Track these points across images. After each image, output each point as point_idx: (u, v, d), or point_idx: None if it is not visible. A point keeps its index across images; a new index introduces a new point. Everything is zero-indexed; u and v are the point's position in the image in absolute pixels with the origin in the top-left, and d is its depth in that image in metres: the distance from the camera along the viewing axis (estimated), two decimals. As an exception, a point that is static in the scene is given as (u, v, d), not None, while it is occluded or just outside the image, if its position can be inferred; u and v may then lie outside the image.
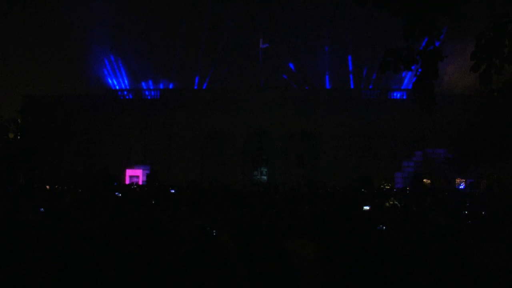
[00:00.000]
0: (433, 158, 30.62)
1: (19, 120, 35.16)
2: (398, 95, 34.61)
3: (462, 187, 29.73)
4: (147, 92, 35.74)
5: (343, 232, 5.06)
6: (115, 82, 37.03)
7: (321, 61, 38.22)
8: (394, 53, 4.04)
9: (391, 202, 9.67)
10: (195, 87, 38.09)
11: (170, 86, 37.19)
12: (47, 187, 17.37)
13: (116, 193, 12.91)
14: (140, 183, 29.91)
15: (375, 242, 4.73)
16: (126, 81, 37.29)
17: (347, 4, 35.22)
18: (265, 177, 34.71)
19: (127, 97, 35.78)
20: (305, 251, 4.34)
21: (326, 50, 38.32)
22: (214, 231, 4.56)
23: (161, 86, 36.84)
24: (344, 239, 4.80)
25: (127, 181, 31.79)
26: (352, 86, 36.52)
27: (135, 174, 33.54)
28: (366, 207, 8.27)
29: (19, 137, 33.83)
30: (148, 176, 29.72)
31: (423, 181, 31.33)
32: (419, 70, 4.09)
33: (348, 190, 19.36)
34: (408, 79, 34.77)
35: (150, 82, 36.91)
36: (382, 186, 30.61)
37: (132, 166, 33.86)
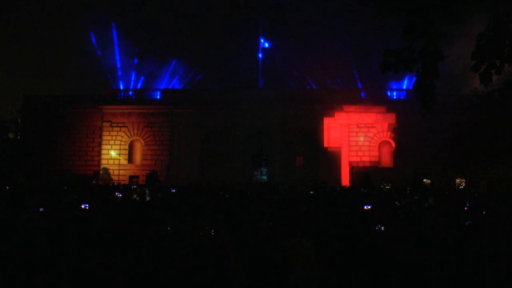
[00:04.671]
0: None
1: (19, 120, 35.17)
2: (398, 94, 34.57)
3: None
4: (147, 92, 35.70)
5: (340, 233, 5.06)
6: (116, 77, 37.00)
7: (323, 61, 38.20)
8: (395, 53, 4.04)
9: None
10: (195, 87, 38.02)
11: (173, 86, 37.16)
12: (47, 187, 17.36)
13: (116, 193, 12.91)
14: (140, 183, 29.87)
15: (374, 242, 4.73)
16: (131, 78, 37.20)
17: (348, 4, 35.20)
18: (265, 177, 34.67)
19: (127, 97, 35.73)
20: (302, 251, 4.35)
21: (328, 49, 38.32)
22: (213, 231, 4.56)
23: (162, 86, 36.82)
24: (341, 239, 4.80)
25: (127, 181, 31.76)
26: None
27: (135, 174, 33.55)
28: (367, 206, 8.28)
29: (19, 137, 33.85)
30: (148, 176, 29.73)
31: (423, 181, 31.34)
32: (420, 70, 4.09)
33: (348, 190, 19.37)
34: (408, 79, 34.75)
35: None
36: (382, 186, 30.58)
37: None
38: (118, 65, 37.32)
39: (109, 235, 4.54)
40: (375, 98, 33.91)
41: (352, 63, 37.47)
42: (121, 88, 36.80)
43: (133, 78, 37.30)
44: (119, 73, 37.23)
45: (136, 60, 37.82)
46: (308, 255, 4.31)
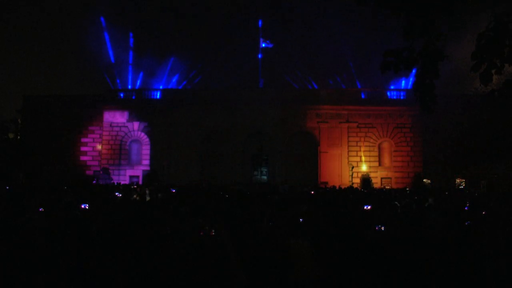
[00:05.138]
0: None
1: (19, 120, 35.17)
2: (398, 95, 34.55)
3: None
4: (147, 92, 35.70)
5: (340, 233, 5.06)
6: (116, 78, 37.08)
7: (324, 61, 38.22)
8: (395, 53, 4.03)
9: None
10: (195, 87, 38.02)
11: (173, 86, 37.20)
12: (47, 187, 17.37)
13: (117, 193, 12.91)
14: (140, 183, 29.88)
15: (374, 242, 4.73)
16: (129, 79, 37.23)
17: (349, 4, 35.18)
18: (265, 177, 34.65)
19: (128, 97, 35.74)
20: (302, 251, 4.35)
21: (329, 49, 38.28)
22: (213, 230, 4.56)
23: (162, 86, 36.84)
24: (341, 239, 4.80)
25: (127, 181, 31.78)
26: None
27: (135, 174, 33.56)
28: (367, 206, 8.28)
29: (19, 137, 33.85)
30: (147, 176, 29.73)
31: (423, 181, 31.39)
32: (420, 70, 4.09)
33: (348, 190, 19.37)
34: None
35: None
36: (382, 186, 30.62)
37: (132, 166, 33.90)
38: (118, 65, 37.36)
39: (109, 235, 4.54)
40: (375, 98, 33.93)
41: (352, 63, 37.51)
42: (121, 87, 36.81)
43: (132, 78, 37.34)
44: (119, 73, 37.28)
45: (135, 60, 37.86)
46: (308, 255, 4.31)
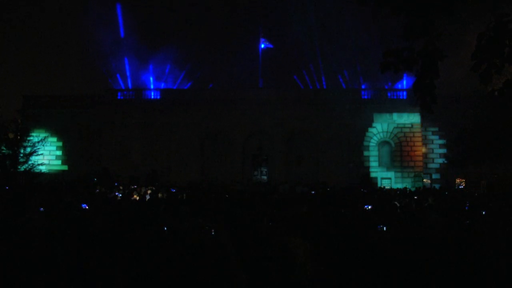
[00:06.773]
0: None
1: (19, 120, 35.14)
2: (398, 94, 34.51)
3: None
4: (147, 92, 35.70)
5: (340, 233, 5.06)
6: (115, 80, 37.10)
7: (324, 61, 38.16)
8: (395, 54, 4.03)
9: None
10: (195, 87, 37.99)
11: (169, 86, 37.19)
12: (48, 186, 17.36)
13: (116, 193, 12.91)
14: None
15: (374, 242, 4.73)
16: (128, 81, 37.27)
17: (350, 4, 35.15)
18: (265, 177, 34.65)
19: (127, 97, 35.73)
20: (302, 251, 4.34)
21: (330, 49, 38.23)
22: (213, 230, 4.56)
23: (162, 86, 36.83)
24: (341, 239, 4.80)
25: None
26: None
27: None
28: (367, 206, 8.29)
29: (19, 137, 33.83)
30: (147, 176, 29.72)
31: (423, 181, 31.40)
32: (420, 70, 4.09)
33: (348, 190, 19.37)
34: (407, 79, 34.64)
35: (152, 82, 36.90)
36: (382, 186, 30.61)
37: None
38: (117, 65, 37.38)
39: (109, 235, 4.54)
40: (375, 98, 33.91)
41: (353, 63, 37.48)
42: (118, 87, 36.81)
43: (132, 79, 37.35)
44: (117, 73, 37.30)
45: (135, 60, 37.85)
46: (308, 255, 4.31)
